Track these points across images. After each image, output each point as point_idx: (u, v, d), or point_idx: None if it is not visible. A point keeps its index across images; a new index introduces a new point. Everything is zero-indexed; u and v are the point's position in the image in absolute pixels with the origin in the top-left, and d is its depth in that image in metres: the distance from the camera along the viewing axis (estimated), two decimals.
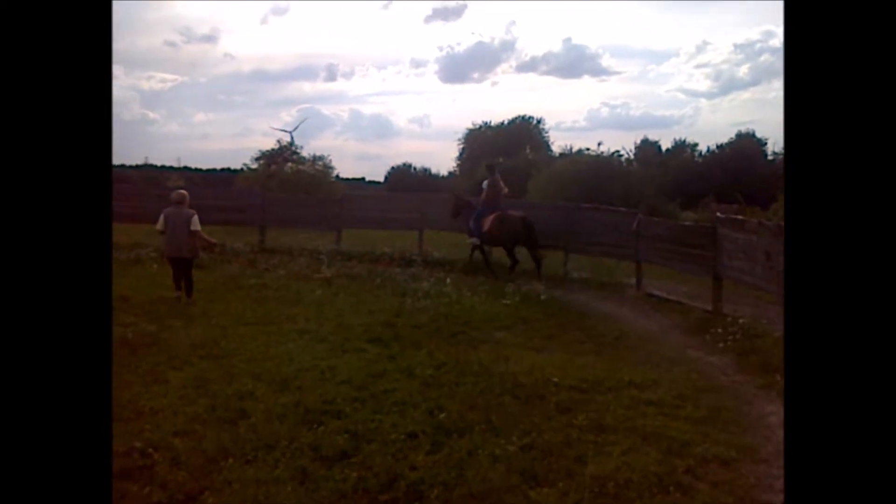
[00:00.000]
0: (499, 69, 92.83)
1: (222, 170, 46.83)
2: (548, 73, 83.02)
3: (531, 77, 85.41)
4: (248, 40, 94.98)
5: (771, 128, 47.98)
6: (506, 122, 44.81)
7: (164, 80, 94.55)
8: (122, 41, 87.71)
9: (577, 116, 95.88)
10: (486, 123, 45.59)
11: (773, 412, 5.22)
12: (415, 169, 45.95)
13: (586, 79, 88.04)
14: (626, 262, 11.70)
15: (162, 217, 8.83)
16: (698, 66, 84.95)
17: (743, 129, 39.99)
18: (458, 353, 6.58)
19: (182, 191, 9.32)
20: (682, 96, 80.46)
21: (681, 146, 42.70)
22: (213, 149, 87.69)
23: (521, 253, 12.32)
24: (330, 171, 27.20)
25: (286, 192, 19.81)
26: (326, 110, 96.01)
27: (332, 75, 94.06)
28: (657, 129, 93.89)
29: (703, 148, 41.79)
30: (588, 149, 31.73)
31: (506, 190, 12.95)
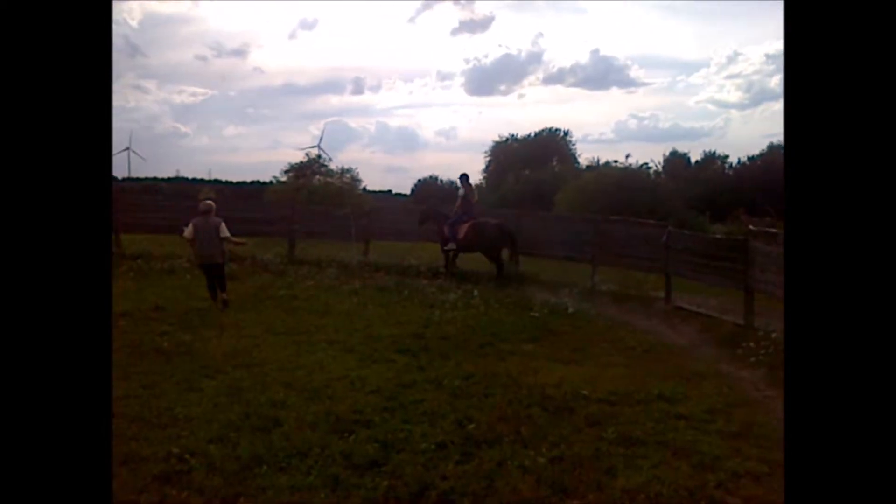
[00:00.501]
0: (526, 81, 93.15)
1: (252, 182, 47.54)
2: (575, 84, 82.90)
3: (558, 89, 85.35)
4: (277, 54, 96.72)
5: None
6: (532, 135, 44.72)
7: (195, 94, 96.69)
8: (155, 56, 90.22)
9: (604, 128, 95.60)
10: (513, 136, 45.60)
11: None
12: (441, 181, 46.04)
13: (614, 90, 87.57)
14: (654, 274, 11.60)
15: (191, 226, 9.19)
16: (729, 77, 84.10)
17: (775, 140, 39.20)
18: (487, 365, 6.61)
19: (209, 201, 9.69)
20: (712, 107, 79.71)
21: (710, 158, 42.18)
22: (242, 162, 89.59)
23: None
24: (358, 183, 27.52)
25: (315, 204, 20.06)
26: (354, 123, 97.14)
27: (359, 88, 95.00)
28: (686, 141, 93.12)
29: (733, 160, 41.22)
30: (616, 161, 31.58)
31: (475, 198, 13.87)
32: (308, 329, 8.02)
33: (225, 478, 3.91)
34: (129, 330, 7.64)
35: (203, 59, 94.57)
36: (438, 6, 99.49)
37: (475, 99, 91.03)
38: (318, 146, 31.88)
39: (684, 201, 28.44)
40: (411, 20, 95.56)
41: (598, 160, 36.09)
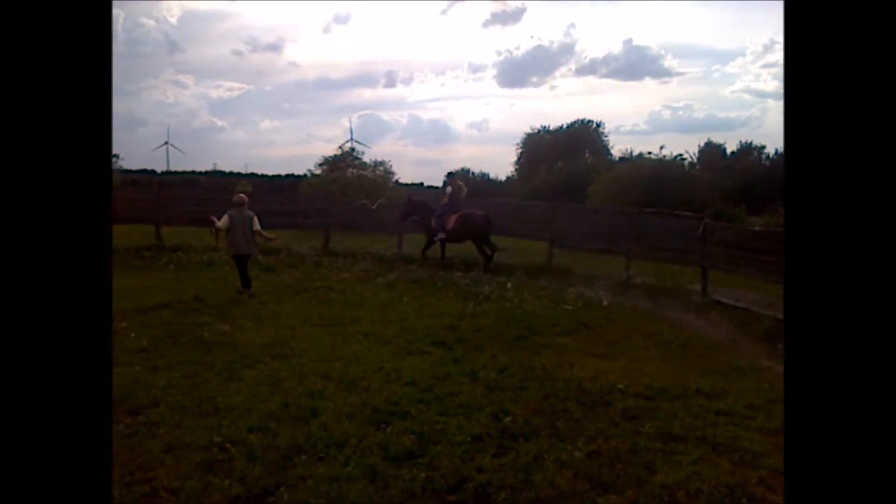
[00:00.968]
0: (557, 72, 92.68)
1: (286, 176, 48.09)
2: (608, 75, 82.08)
3: (590, 80, 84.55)
4: (311, 49, 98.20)
5: None
6: (564, 126, 44.28)
7: (231, 89, 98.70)
8: (192, 52, 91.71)
9: (637, 119, 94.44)
10: (545, 128, 45.23)
11: None
12: (473, 174, 46.00)
13: (647, 81, 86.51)
14: (690, 267, 11.42)
15: (226, 217, 9.61)
16: (766, 66, 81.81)
17: None
18: (521, 358, 6.60)
19: (242, 194, 10.05)
20: (748, 97, 78.08)
21: (747, 149, 41.28)
22: (277, 155, 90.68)
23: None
24: (391, 176, 27.63)
25: (348, 197, 20.21)
26: (386, 116, 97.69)
27: (391, 81, 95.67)
28: (722, 132, 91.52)
29: (770, 150, 40.22)
30: (650, 153, 31.13)
31: (463, 195, 14.28)
32: (343, 321, 8.10)
33: (265, 467, 3.98)
34: (171, 320, 7.83)
35: (239, 54, 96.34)
36: None
37: (507, 91, 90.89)
38: (352, 139, 32.12)
39: (720, 193, 27.92)
40: (443, 13, 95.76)
41: (632, 152, 35.72)
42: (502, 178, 46.41)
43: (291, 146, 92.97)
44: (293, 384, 5.51)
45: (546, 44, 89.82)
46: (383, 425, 4.66)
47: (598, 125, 44.54)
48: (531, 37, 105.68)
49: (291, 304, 9.16)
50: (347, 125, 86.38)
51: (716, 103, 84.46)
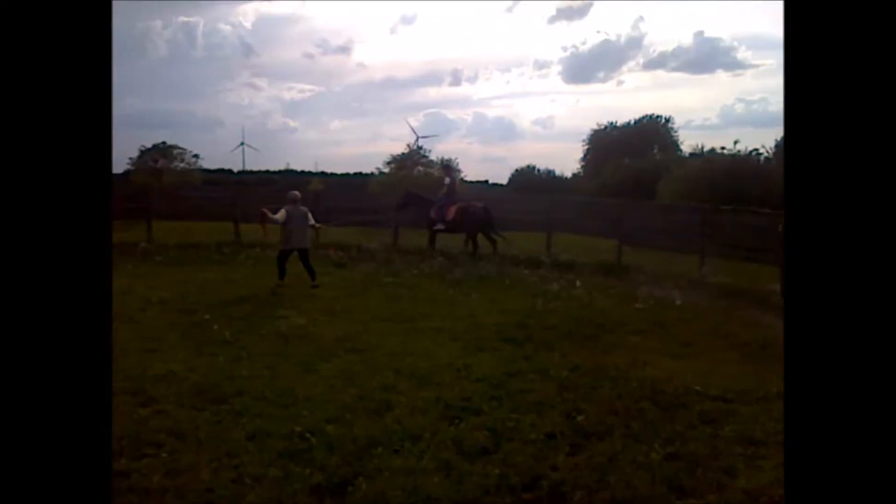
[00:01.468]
0: (625, 67, 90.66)
1: (355, 174, 49.14)
2: (677, 69, 79.86)
3: (659, 74, 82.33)
4: (378, 50, 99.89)
5: None
6: (632, 122, 43.35)
7: (302, 91, 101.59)
8: (266, 55, 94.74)
9: (708, 114, 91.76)
10: (612, 123, 44.38)
11: None
12: (539, 171, 45.58)
13: (719, 73, 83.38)
14: (768, 266, 10.99)
15: (283, 211, 10.05)
16: None
17: None
18: (593, 357, 6.53)
19: (296, 192, 10.44)
20: None
21: None
22: (346, 154, 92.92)
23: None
24: (457, 174, 27.76)
25: None
26: (451, 114, 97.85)
27: (457, 80, 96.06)
28: None
29: None
30: (723, 148, 29.98)
31: (458, 184, 15.12)
32: (413, 316, 8.21)
33: (343, 457, 4.09)
34: (250, 313, 8.16)
35: (310, 56, 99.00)
36: None
37: (573, 87, 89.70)
38: (418, 137, 32.49)
39: None
40: (509, 10, 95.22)
41: (703, 147, 34.51)
42: (569, 174, 45.84)
43: (359, 145, 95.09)
44: (367, 378, 5.64)
45: (613, 38, 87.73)
46: (456, 421, 4.70)
47: (668, 120, 43.43)
48: (598, 32, 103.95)
49: (362, 299, 9.37)
50: (413, 124, 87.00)
51: None
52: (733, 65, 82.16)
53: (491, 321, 7.97)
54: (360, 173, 44.57)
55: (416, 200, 14.54)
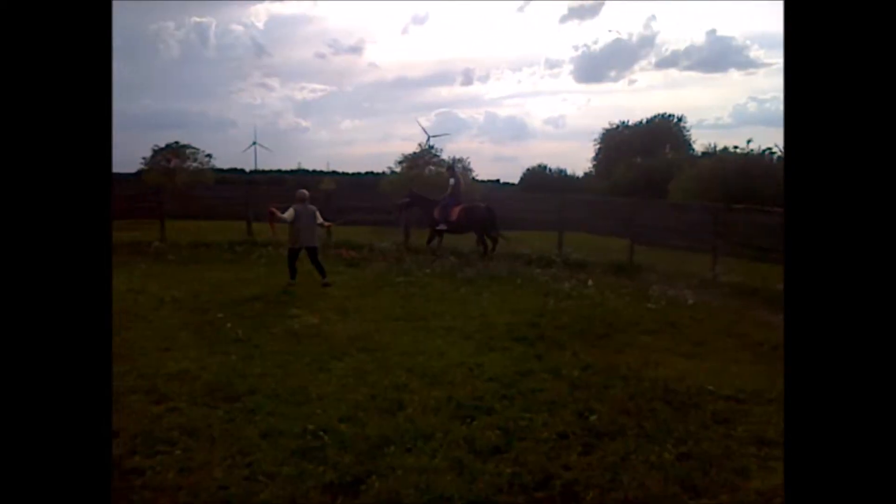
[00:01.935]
0: (637, 66, 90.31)
1: (366, 173, 49.29)
2: (690, 67, 79.30)
3: (672, 73, 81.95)
4: (390, 49, 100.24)
5: None
6: (644, 121, 43.12)
7: (314, 91, 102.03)
8: (278, 55, 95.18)
9: (720, 113, 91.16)
10: (624, 123, 44.17)
11: None
12: (550, 170, 45.41)
13: (732, 72, 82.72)
14: (781, 266, 10.85)
15: (292, 210, 10.14)
16: None
17: None
18: (605, 356, 6.52)
19: (304, 191, 10.54)
20: None
21: None
22: (358, 153, 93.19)
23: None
24: (468, 173, 27.75)
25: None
26: (463, 114, 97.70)
27: (468, 79, 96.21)
28: None
29: None
30: (736, 147, 29.74)
31: (463, 184, 14.94)
32: (425, 315, 8.23)
33: (356, 455, 4.10)
34: (263, 312, 8.21)
35: (322, 56, 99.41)
36: None
37: (584, 86, 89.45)
38: (429, 136, 32.55)
39: None
40: (520, 10, 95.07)
41: (715, 146, 34.25)
42: (580, 174, 45.67)
43: (371, 144, 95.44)
44: (379, 377, 5.65)
45: (625, 37, 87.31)
46: (468, 420, 4.71)
47: (680, 119, 43.14)
48: (609, 30, 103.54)
49: (374, 298, 9.39)
50: (425, 124, 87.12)
51: None
52: (746, 63, 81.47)
53: (502, 320, 7.97)
54: (372, 173, 44.72)
55: (420, 200, 14.57)
